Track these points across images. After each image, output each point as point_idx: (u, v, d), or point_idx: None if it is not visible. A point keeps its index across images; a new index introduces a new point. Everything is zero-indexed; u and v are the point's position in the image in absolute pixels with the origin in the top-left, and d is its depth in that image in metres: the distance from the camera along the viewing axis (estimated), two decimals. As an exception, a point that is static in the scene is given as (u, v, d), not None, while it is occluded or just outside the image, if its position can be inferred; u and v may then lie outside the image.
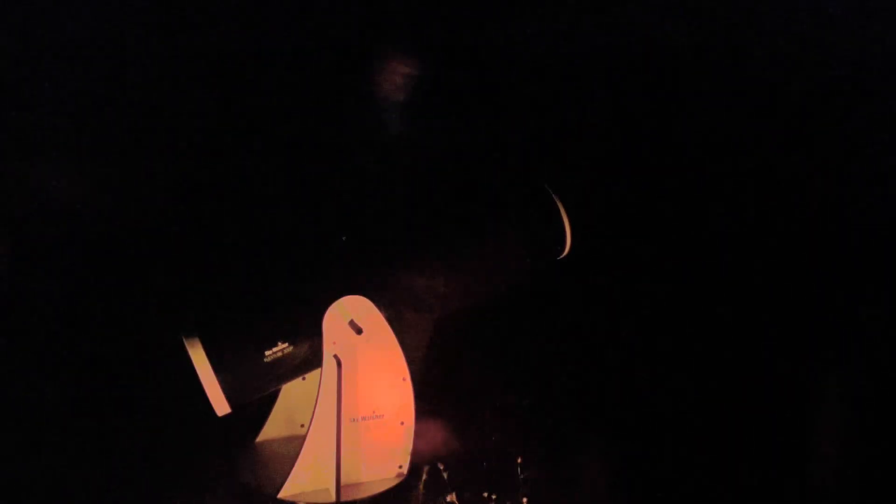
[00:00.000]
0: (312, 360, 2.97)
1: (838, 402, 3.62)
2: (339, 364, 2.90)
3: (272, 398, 3.27)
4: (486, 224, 3.32)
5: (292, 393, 3.25)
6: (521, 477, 3.09)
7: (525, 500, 2.96)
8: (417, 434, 3.08)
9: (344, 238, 3.37)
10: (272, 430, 3.33)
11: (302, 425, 3.29)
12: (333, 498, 2.95)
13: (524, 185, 3.40)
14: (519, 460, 3.13)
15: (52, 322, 3.79)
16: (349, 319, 2.92)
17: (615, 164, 4.20)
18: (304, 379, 3.13)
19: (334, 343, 2.91)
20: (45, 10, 3.71)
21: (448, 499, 2.97)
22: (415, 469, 3.08)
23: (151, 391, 3.55)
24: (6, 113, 3.74)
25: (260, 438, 3.33)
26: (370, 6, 3.75)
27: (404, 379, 3.01)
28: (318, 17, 3.91)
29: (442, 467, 3.06)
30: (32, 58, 3.77)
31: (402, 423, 3.04)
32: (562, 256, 3.34)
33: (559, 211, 3.23)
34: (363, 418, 2.99)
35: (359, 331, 2.91)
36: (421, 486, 3.03)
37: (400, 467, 3.08)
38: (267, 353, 2.90)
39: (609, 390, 3.75)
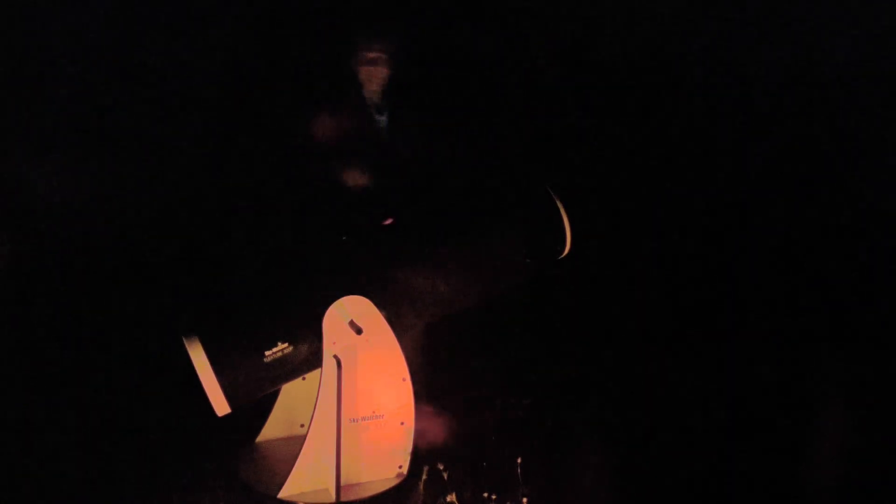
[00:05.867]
0: (312, 360, 2.96)
1: (838, 402, 3.63)
2: (339, 364, 2.90)
3: (272, 398, 3.27)
4: (485, 224, 3.32)
5: (292, 393, 3.25)
6: (521, 477, 3.09)
7: (525, 500, 2.96)
8: (417, 434, 3.08)
9: (344, 238, 3.36)
10: (272, 430, 3.33)
11: (302, 425, 3.29)
12: (333, 498, 2.95)
13: (524, 185, 3.40)
14: (519, 460, 3.13)
15: (52, 322, 3.79)
16: (349, 319, 2.92)
17: (615, 164, 4.20)
18: (304, 379, 3.13)
19: (334, 343, 2.91)
20: (45, 11, 3.71)
21: (448, 499, 2.97)
22: (415, 469, 3.08)
23: (151, 391, 3.55)
24: (6, 113, 3.74)
25: (260, 438, 3.33)
26: (367, 9, 3.76)
27: (404, 379, 3.01)
28: (315, 19, 3.91)
29: (442, 467, 3.06)
30: (32, 58, 3.77)
31: (402, 423, 3.04)
32: (561, 256, 3.34)
33: (559, 211, 3.23)
34: (363, 418, 2.99)
35: (359, 331, 2.91)
36: (421, 486, 3.03)
37: (400, 467, 3.08)
38: (267, 353, 2.90)
39: (609, 391, 3.75)
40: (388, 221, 3.40)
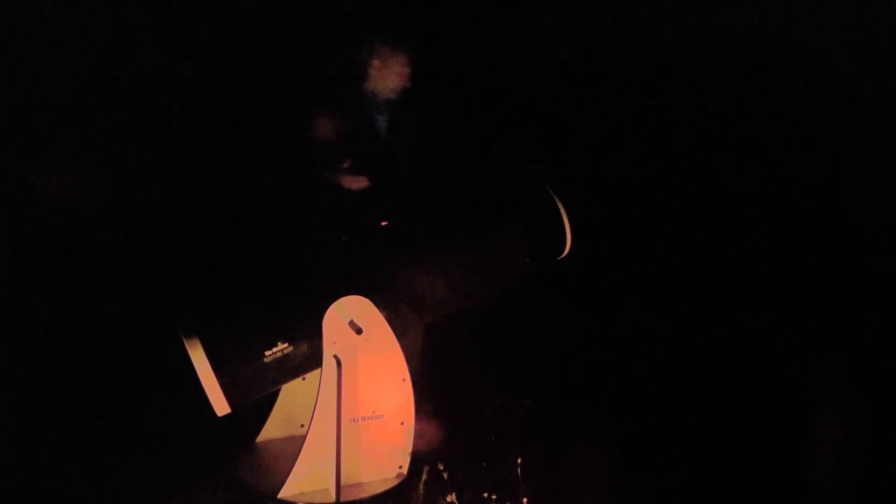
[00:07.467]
0: (312, 360, 2.97)
1: (839, 402, 3.63)
2: (339, 364, 2.90)
3: (272, 398, 3.27)
4: (486, 224, 3.32)
5: (292, 393, 3.25)
6: (521, 477, 3.09)
7: (525, 500, 2.96)
8: (417, 434, 3.08)
9: (344, 238, 3.36)
10: (272, 430, 3.33)
11: (302, 425, 3.29)
12: (333, 498, 2.95)
13: (524, 185, 3.40)
14: (519, 460, 3.13)
15: (52, 322, 3.79)
16: (349, 319, 2.92)
17: (615, 164, 4.20)
18: (304, 379, 3.13)
19: (334, 343, 2.91)
20: (45, 10, 3.71)
21: (448, 499, 2.97)
22: (415, 469, 3.08)
23: (151, 391, 3.55)
24: (6, 113, 3.74)
25: (260, 438, 3.33)
26: (370, 5, 3.76)
27: (404, 379, 3.01)
28: (316, 17, 3.91)
29: (442, 467, 3.06)
30: (32, 58, 3.77)
31: (402, 423, 3.04)
32: (561, 257, 3.34)
33: (559, 211, 3.23)
34: (363, 418, 2.99)
35: (359, 331, 2.91)
36: (421, 486, 3.03)
37: (400, 467, 3.08)
38: (267, 353, 2.90)
39: (609, 390, 3.75)
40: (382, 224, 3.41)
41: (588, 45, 4.20)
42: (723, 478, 3.17)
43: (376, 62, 3.44)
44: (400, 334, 3.00)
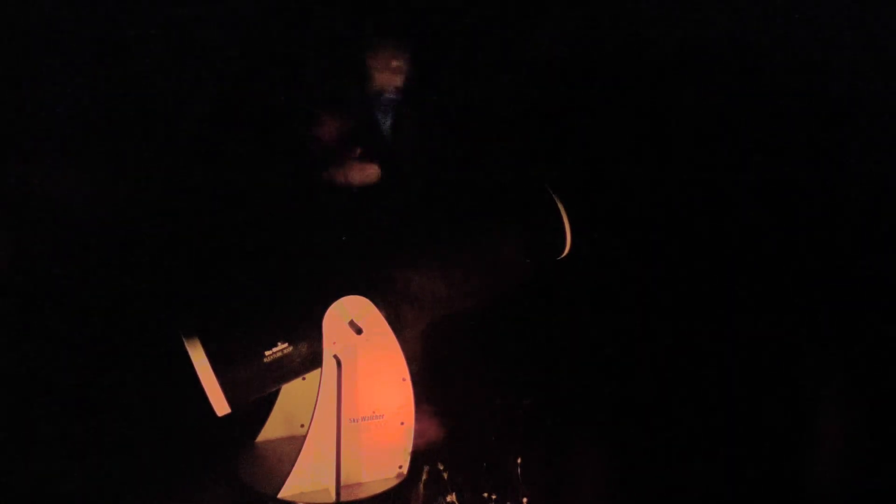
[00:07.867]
0: (312, 361, 2.97)
1: (839, 402, 3.63)
2: (339, 364, 2.90)
3: (272, 398, 3.27)
4: (485, 224, 3.32)
5: (292, 393, 3.25)
6: (521, 477, 3.09)
7: (525, 500, 2.96)
8: (417, 434, 3.08)
9: (344, 238, 3.37)
10: (272, 430, 3.33)
11: (302, 425, 3.29)
12: (333, 498, 2.95)
13: (524, 185, 3.40)
14: (519, 460, 3.13)
15: (51, 322, 3.79)
16: (349, 319, 2.92)
17: (615, 164, 4.20)
18: (304, 379, 3.13)
19: (334, 343, 2.91)
20: (45, 10, 3.71)
21: (448, 499, 2.97)
22: (415, 469, 3.08)
23: (151, 391, 3.55)
24: (6, 113, 3.74)
25: (260, 438, 3.33)
26: (370, 7, 3.76)
27: (404, 379, 3.01)
28: (317, 18, 3.91)
29: (442, 467, 3.06)
30: (32, 58, 3.77)
31: (402, 423, 3.04)
32: (562, 256, 3.34)
33: (559, 211, 3.23)
34: (363, 418, 2.99)
35: (359, 331, 2.91)
36: (421, 486, 3.03)
37: (400, 467, 3.08)
38: (267, 353, 2.90)
39: (609, 390, 3.75)
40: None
41: (588, 46, 4.20)
42: (723, 478, 3.17)
43: (377, 62, 3.44)
44: (400, 334, 3.00)
